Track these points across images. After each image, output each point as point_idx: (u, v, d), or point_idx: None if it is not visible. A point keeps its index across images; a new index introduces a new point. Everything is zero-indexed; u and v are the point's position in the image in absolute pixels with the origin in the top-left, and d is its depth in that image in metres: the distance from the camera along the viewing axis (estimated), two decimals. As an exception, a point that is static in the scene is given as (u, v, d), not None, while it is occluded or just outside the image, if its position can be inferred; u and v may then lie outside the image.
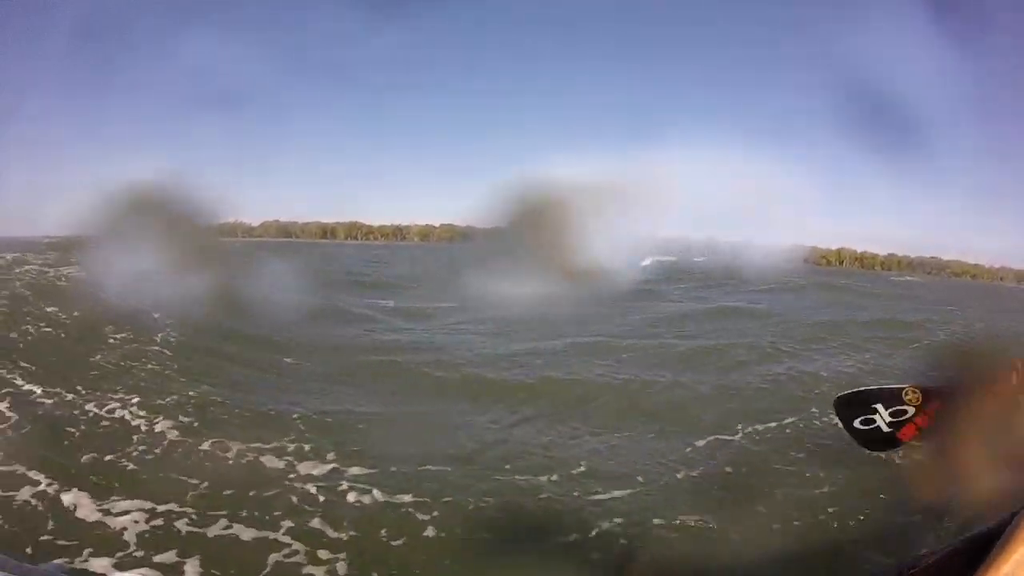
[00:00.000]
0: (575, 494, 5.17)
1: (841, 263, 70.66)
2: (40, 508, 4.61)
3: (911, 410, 3.70)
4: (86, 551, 4.09)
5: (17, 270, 12.14)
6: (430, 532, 4.57)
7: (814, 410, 7.26)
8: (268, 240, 52.37)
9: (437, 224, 67.35)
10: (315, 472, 5.49)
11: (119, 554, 4.09)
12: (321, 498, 5.05)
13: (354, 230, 65.27)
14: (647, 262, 24.84)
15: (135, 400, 6.78)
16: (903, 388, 3.68)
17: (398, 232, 66.60)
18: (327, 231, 64.49)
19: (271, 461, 5.69)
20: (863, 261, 72.98)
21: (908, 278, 46.84)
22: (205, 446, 5.77)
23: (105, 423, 6.29)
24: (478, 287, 14.71)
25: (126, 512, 4.64)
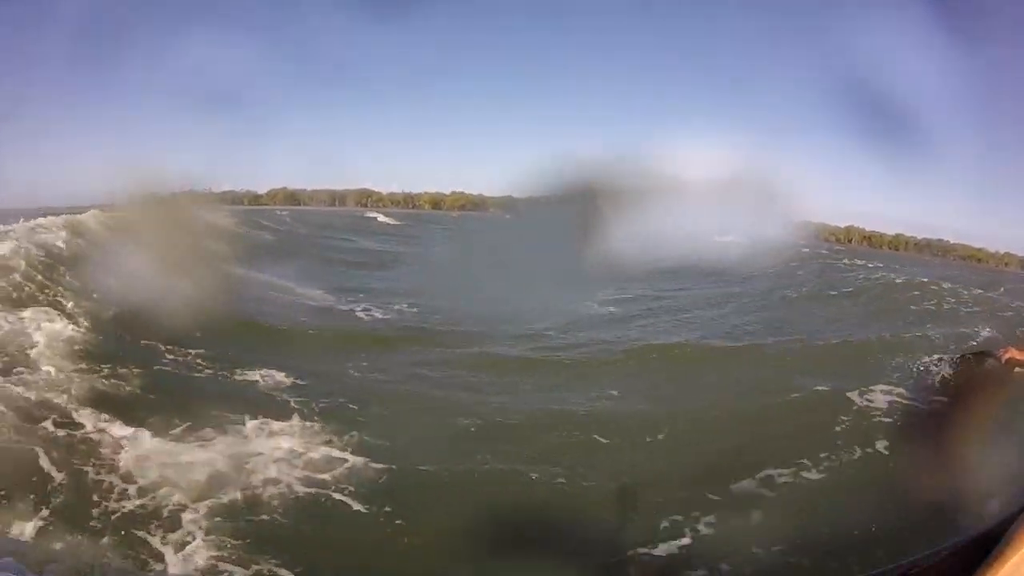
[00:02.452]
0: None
1: (850, 241, 69.81)
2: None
3: None
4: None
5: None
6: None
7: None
8: (276, 208, 52.03)
9: (448, 192, 66.81)
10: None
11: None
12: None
13: (363, 197, 64.63)
14: (726, 239, 23.85)
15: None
16: None
17: (409, 200, 65.93)
18: (336, 199, 63.98)
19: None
20: (871, 240, 72.11)
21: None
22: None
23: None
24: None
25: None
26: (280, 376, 7.45)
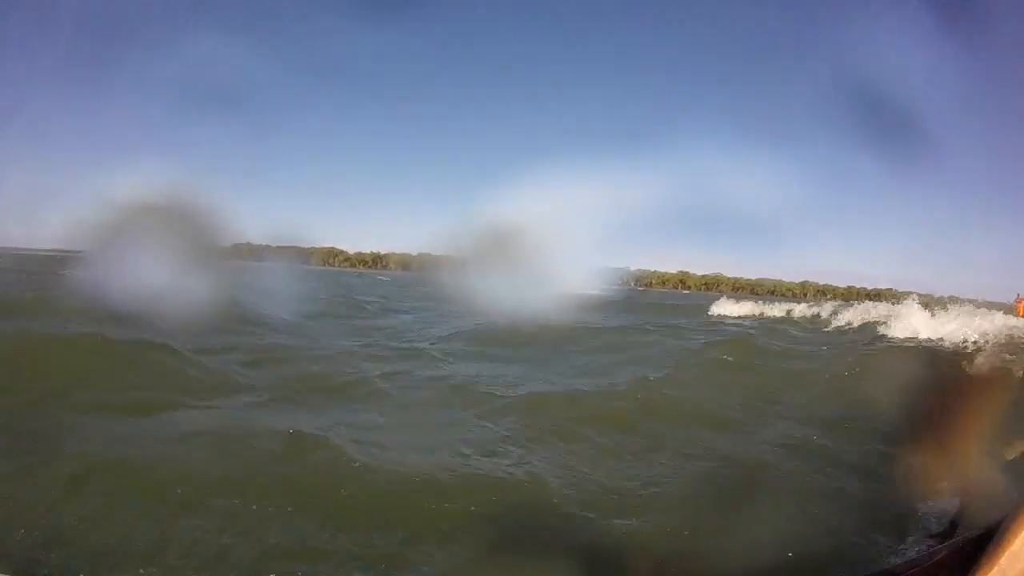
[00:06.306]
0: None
1: (805, 295, 73.24)
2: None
3: None
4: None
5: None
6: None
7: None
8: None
9: (415, 253, 66.89)
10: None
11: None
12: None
13: (331, 256, 64.13)
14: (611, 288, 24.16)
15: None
16: None
17: (377, 260, 65.66)
18: (302, 256, 63.16)
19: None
20: (825, 293, 75.86)
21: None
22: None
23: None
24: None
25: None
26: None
